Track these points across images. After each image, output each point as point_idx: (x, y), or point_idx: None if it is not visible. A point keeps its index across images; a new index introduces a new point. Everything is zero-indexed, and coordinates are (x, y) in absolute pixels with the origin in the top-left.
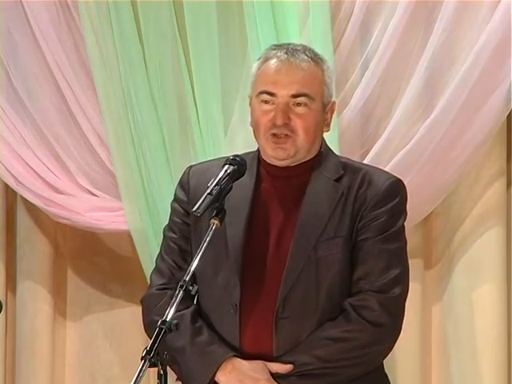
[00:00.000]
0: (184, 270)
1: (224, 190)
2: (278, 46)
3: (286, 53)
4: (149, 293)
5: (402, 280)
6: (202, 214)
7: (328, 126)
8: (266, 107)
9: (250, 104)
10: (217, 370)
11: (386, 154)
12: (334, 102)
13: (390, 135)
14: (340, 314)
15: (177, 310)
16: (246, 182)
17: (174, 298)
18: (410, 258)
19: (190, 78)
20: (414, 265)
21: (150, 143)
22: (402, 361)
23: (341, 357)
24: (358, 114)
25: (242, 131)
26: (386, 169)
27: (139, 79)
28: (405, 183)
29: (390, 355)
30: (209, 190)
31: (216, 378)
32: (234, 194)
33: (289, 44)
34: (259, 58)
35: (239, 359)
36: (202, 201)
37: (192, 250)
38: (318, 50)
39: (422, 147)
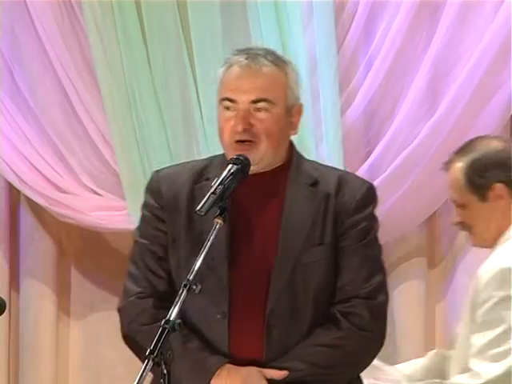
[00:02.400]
0: (159, 277)
1: (228, 189)
2: (240, 51)
3: (247, 58)
4: (127, 301)
5: (385, 287)
6: (205, 214)
7: (295, 128)
8: (228, 114)
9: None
10: (211, 377)
11: (389, 154)
12: (301, 105)
13: (394, 135)
14: (328, 321)
15: (157, 319)
16: None
17: (177, 298)
18: (413, 258)
19: (194, 77)
20: (418, 264)
21: (153, 143)
22: (405, 359)
23: (333, 363)
24: (361, 114)
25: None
26: (389, 169)
27: (143, 79)
28: (407, 183)
29: (393, 354)
30: (212, 189)
31: None
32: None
33: (251, 49)
34: (223, 64)
35: (232, 365)
36: (206, 200)
37: (169, 252)
38: (322, 50)
39: (426, 147)
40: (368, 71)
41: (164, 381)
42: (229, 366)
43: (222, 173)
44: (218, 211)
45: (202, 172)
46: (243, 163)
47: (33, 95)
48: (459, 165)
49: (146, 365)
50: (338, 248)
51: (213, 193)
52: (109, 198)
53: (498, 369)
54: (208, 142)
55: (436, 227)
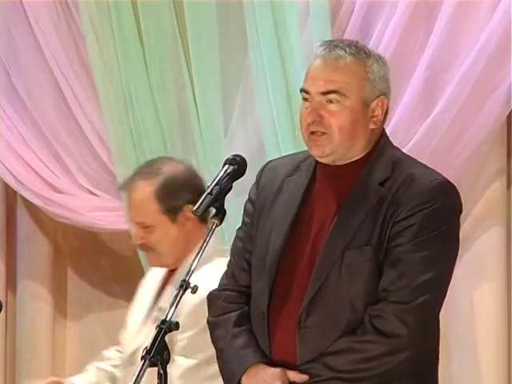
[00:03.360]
0: (242, 270)
1: (224, 189)
2: (324, 43)
3: (325, 49)
4: (212, 292)
5: (433, 287)
6: (201, 214)
7: (376, 123)
8: (305, 105)
9: None
10: (243, 373)
11: None
12: (385, 98)
13: (390, 134)
14: (360, 325)
15: (224, 312)
16: (300, 183)
17: (173, 298)
18: None
19: (190, 77)
20: None
21: (150, 143)
22: None
23: (352, 368)
24: None
25: (242, 132)
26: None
27: (139, 79)
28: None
29: None
30: (209, 190)
31: (242, 381)
32: (286, 195)
33: (334, 40)
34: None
35: (264, 365)
36: (202, 200)
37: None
38: None
39: (423, 146)
40: None
41: (161, 381)
42: (260, 364)
43: (218, 173)
44: (215, 212)
45: (299, 164)
46: (239, 164)
47: (29, 95)
48: (148, 187)
49: (143, 365)
50: (388, 249)
51: (209, 193)
52: (105, 199)
53: None
54: (204, 141)
55: None
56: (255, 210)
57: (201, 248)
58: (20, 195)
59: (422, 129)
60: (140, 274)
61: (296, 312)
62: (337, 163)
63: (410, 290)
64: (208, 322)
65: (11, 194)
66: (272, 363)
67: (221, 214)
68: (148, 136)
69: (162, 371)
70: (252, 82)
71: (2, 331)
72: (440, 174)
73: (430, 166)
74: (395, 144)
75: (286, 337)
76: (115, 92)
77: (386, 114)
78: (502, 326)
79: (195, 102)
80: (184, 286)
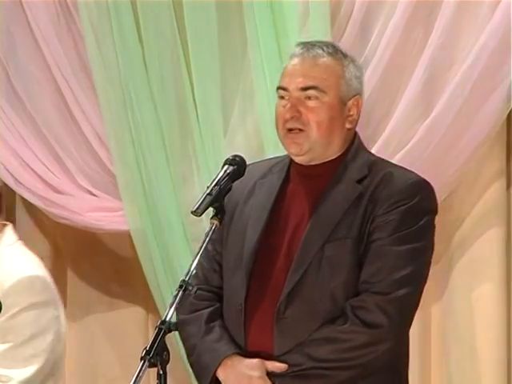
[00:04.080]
0: (217, 273)
1: (223, 190)
2: (300, 44)
3: (302, 48)
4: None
5: (411, 281)
6: (201, 215)
7: (352, 122)
8: (282, 102)
9: None
10: (218, 366)
11: (385, 154)
12: (360, 98)
13: (390, 135)
14: (340, 316)
15: (196, 310)
16: (274, 184)
17: (173, 299)
18: None
19: (190, 78)
20: None
21: (149, 143)
22: None
23: (333, 357)
24: None
25: (242, 131)
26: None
27: (139, 79)
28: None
29: None
30: (208, 190)
31: (217, 374)
32: (260, 196)
33: (311, 41)
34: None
35: (239, 357)
36: (202, 201)
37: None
38: None
39: (422, 147)
40: (364, 71)
41: (160, 381)
42: (235, 356)
43: (218, 173)
44: (214, 212)
45: (271, 168)
46: (239, 164)
47: (28, 96)
48: None
49: (142, 365)
50: (368, 243)
51: (209, 193)
52: (104, 199)
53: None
54: (204, 141)
55: None
56: (225, 212)
57: (201, 247)
58: (19, 196)
59: (422, 129)
60: (140, 274)
61: (274, 304)
62: (312, 163)
63: (391, 282)
64: (179, 320)
65: (10, 195)
66: (248, 355)
67: (220, 214)
68: (147, 136)
69: (161, 371)
70: (251, 81)
71: None
72: (417, 174)
73: (434, 166)
74: (395, 144)
75: (262, 328)
76: (114, 92)
77: (359, 114)
78: (502, 327)
79: (195, 102)
80: (183, 286)
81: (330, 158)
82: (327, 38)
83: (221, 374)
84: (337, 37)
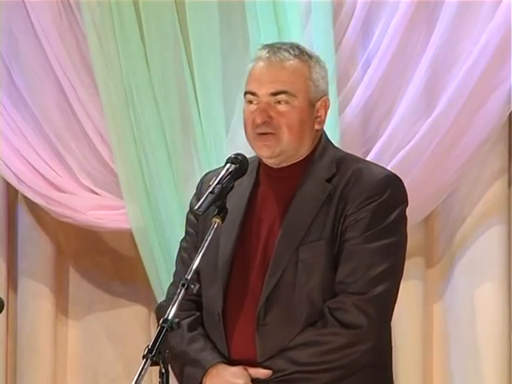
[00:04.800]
0: (194, 280)
1: (225, 188)
2: (265, 46)
3: (269, 52)
4: (162, 303)
5: (388, 277)
6: (203, 213)
7: (320, 123)
8: (251, 107)
9: None
10: (203, 375)
11: (387, 153)
12: (327, 98)
13: (392, 134)
14: (319, 319)
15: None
16: (244, 188)
17: (175, 297)
18: (411, 257)
19: (192, 76)
20: (416, 263)
21: (151, 142)
22: (403, 359)
23: (315, 361)
24: (359, 113)
25: (243, 129)
26: (387, 168)
27: (141, 78)
28: (405, 182)
29: None
30: (211, 189)
31: (203, 383)
32: (232, 201)
33: (276, 43)
34: (252, 60)
35: (224, 365)
36: (204, 199)
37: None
38: (320, 49)
39: (424, 146)
40: (366, 70)
41: (162, 380)
42: (219, 364)
43: (220, 172)
44: (216, 210)
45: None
46: (241, 162)
47: (31, 94)
48: None
49: (144, 364)
50: (341, 243)
51: (211, 192)
52: (107, 197)
53: None
54: (206, 140)
55: (434, 226)
56: (198, 220)
57: (202, 246)
58: (21, 194)
59: (423, 128)
60: (141, 273)
61: (253, 311)
62: (282, 165)
63: (367, 281)
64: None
65: (12, 193)
66: (231, 363)
67: (222, 212)
68: (149, 134)
69: (163, 370)
70: None
71: (3, 330)
72: (385, 168)
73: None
74: (396, 143)
75: (244, 336)
76: (117, 90)
77: (327, 114)
78: (504, 326)
79: (196, 100)
80: (186, 284)
81: (298, 159)
82: (329, 38)
83: (206, 383)
84: (339, 36)
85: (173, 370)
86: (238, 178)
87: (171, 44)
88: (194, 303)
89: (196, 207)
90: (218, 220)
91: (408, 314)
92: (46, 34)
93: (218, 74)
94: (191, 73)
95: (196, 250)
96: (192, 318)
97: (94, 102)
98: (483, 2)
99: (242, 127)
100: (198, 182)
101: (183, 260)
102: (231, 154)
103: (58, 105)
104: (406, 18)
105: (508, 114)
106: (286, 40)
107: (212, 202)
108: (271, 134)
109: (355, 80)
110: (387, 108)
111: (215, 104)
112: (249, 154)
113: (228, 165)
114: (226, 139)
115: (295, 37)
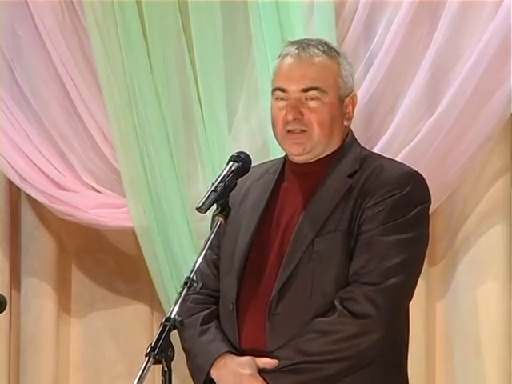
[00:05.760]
0: (214, 277)
1: (228, 186)
2: (293, 42)
3: (298, 48)
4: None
5: (402, 270)
6: (205, 211)
7: (349, 119)
8: (280, 104)
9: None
10: (211, 365)
11: (389, 151)
12: (355, 94)
13: (394, 132)
14: (330, 309)
15: (192, 314)
16: (267, 183)
17: (177, 295)
18: None
19: (195, 75)
20: None
21: (154, 140)
22: None
23: (323, 350)
24: (362, 111)
25: (246, 128)
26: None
27: (143, 77)
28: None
29: None
30: (213, 187)
31: (211, 374)
32: (254, 196)
33: (303, 40)
34: (278, 57)
35: (232, 355)
36: (207, 198)
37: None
38: None
39: (426, 144)
40: (368, 70)
41: (165, 378)
42: (227, 354)
43: (223, 170)
44: (219, 208)
45: (267, 169)
46: (244, 160)
47: (33, 93)
48: None
49: (147, 362)
50: (357, 235)
51: (214, 190)
52: (109, 196)
53: None
54: (208, 138)
55: (437, 225)
56: (230, 209)
57: (206, 244)
58: (24, 192)
59: (425, 128)
60: (144, 271)
61: (266, 301)
62: (309, 161)
63: (380, 272)
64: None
65: (15, 191)
66: (242, 353)
67: (225, 211)
68: (152, 133)
69: (166, 368)
70: (256, 79)
71: (6, 328)
72: (408, 166)
73: (438, 163)
74: (399, 141)
75: (255, 326)
76: (119, 89)
77: (354, 111)
78: (506, 325)
79: (199, 98)
80: (188, 282)
81: (324, 155)
82: (332, 37)
83: (214, 373)
84: (341, 35)
85: (187, 365)
86: (240, 176)
87: (174, 43)
88: (211, 298)
89: (198, 205)
90: (220, 218)
91: (410, 312)
92: (48, 34)
93: (221, 73)
94: (194, 71)
95: (219, 246)
96: (207, 311)
97: (96, 100)
98: (485, 1)
99: (245, 126)
100: (200, 180)
101: (206, 257)
102: (234, 152)
103: (60, 104)
104: (408, 17)
105: (510, 112)
106: (289, 38)
107: (214, 200)
108: (302, 130)
109: (358, 79)
110: (389, 107)
111: (218, 103)
112: (251, 152)
113: (231, 163)
114: (228, 138)
115: (298, 36)
